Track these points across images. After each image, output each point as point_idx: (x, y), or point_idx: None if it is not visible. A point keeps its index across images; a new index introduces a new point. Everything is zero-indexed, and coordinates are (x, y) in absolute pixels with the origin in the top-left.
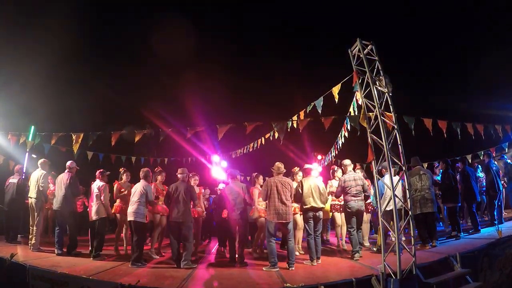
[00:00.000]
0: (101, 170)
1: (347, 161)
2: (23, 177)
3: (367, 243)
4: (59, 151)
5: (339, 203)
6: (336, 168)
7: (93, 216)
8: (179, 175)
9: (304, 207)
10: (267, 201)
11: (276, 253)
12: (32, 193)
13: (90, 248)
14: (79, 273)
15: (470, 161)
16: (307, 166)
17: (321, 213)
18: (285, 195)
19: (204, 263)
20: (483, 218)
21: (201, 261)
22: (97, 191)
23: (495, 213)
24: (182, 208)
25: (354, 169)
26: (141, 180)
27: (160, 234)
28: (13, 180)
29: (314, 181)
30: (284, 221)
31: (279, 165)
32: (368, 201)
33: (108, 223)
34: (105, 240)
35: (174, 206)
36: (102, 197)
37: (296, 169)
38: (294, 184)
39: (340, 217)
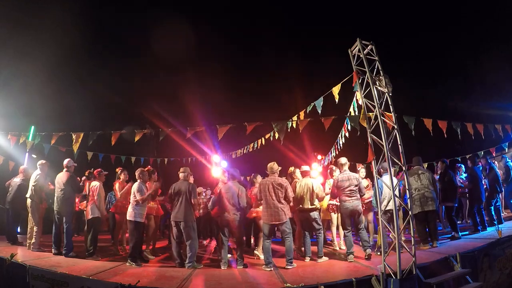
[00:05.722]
0: (99, 169)
1: (343, 160)
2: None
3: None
4: (59, 151)
5: (336, 203)
6: (334, 168)
7: (89, 215)
8: (180, 174)
9: (296, 208)
10: (262, 202)
11: (270, 253)
12: (28, 194)
13: (85, 247)
14: (79, 273)
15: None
16: (303, 168)
17: (314, 213)
18: (278, 196)
19: (204, 263)
20: (465, 223)
21: (201, 261)
22: (90, 191)
23: (494, 214)
24: (183, 207)
25: (356, 168)
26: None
27: (153, 234)
28: (16, 180)
29: (307, 182)
30: (277, 222)
31: (272, 165)
32: (367, 201)
33: (109, 223)
34: (98, 239)
35: (175, 206)
36: (95, 197)
37: (291, 169)
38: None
39: (336, 218)
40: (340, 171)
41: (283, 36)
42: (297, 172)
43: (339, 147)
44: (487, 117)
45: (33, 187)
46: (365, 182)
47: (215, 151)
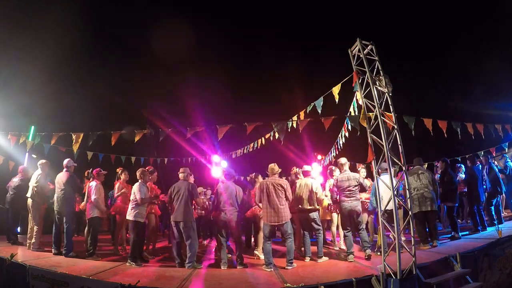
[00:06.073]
0: (98, 169)
1: (343, 160)
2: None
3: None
4: (59, 151)
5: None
6: (334, 168)
7: (89, 214)
8: (180, 175)
9: (295, 208)
10: (261, 204)
11: (271, 254)
12: (29, 193)
13: (85, 247)
14: (79, 273)
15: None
16: (305, 167)
17: (313, 213)
18: (278, 197)
19: (204, 263)
20: (464, 223)
21: (201, 261)
22: (88, 191)
23: (494, 214)
24: (183, 207)
25: (356, 168)
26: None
27: (153, 234)
28: (15, 180)
29: (307, 182)
30: (276, 224)
31: (273, 166)
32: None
33: (109, 223)
34: (98, 239)
35: (175, 206)
36: (92, 197)
37: (296, 169)
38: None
39: (336, 217)
40: (340, 171)
41: (283, 36)
42: (301, 173)
43: (339, 147)
44: (487, 117)
45: (34, 188)
46: (367, 182)
47: (215, 151)
